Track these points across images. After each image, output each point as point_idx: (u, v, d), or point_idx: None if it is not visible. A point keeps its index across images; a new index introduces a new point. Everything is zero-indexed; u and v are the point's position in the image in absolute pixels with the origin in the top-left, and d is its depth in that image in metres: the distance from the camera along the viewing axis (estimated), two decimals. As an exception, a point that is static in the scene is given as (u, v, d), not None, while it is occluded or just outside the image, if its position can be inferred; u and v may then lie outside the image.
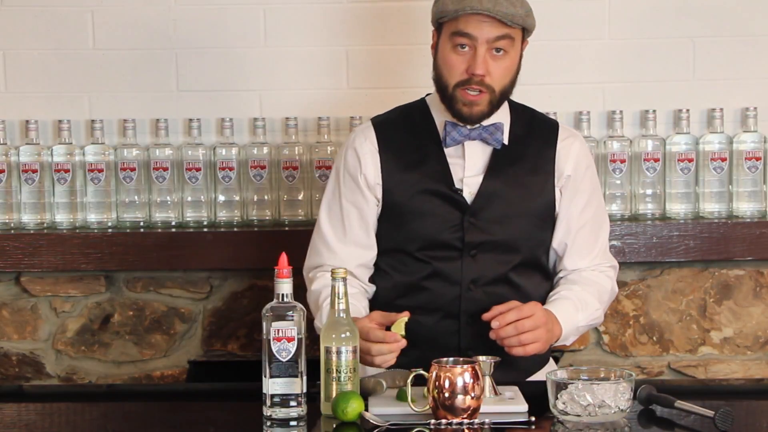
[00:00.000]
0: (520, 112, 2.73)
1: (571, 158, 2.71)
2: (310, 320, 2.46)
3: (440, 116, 2.68)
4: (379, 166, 2.68)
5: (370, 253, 2.71)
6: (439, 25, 2.63)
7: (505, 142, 2.67)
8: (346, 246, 2.70)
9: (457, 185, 2.65)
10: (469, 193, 2.65)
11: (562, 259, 2.73)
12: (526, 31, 2.63)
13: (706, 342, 3.41)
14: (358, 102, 3.43)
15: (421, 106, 2.75)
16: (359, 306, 2.61)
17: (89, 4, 3.44)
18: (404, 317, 2.45)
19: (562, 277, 2.73)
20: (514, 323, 2.46)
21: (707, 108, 3.39)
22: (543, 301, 2.67)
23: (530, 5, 2.62)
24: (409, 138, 2.69)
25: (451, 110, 2.63)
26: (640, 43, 3.44)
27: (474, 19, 2.54)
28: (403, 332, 2.44)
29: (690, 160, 3.34)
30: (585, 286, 2.68)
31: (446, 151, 2.67)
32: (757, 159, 3.34)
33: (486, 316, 2.51)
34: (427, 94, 2.77)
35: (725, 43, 3.44)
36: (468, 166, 2.66)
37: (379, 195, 2.69)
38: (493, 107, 2.63)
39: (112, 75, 3.45)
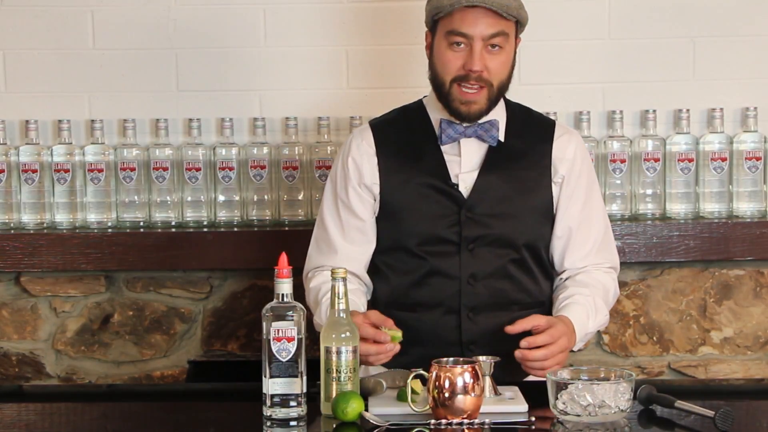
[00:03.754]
0: (516, 110, 2.74)
1: (568, 156, 2.72)
2: (309, 320, 2.46)
3: (436, 115, 2.70)
4: (377, 167, 2.70)
5: (370, 249, 2.72)
6: (434, 23, 2.64)
7: (501, 139, 2.68)
8: (348, 244, 2.70)
9: (453, 180, 2.66)
10: (465, 188, 2.66)
11: (564, 257, 2.72)
12: (519, 25, 2.65)
13: (707, 342, 3.41)
14: (358, 102, 3.43)
15: (417, 106, 2.77)
16: (358, 303, 2.61)
17: (89, 4, 3.44)
18: (397, 333, 2.43)
19: (569, 278, 2.72)
20: (544, 348, 2.43)
21: (707, 108, 3.39)
22: (544, 296, 2.70)
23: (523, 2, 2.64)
24: (406, 137, 2.71)
25: (448, 108, 2.64)
26: (640, 43, 3.44)
27: (469, 16, 2.56)
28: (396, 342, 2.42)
29: (690, 160, 3.34)
30: (595, 290, 2.66)
31: (442, 148, 2.68)
32: (757, 159, 3.34)
33: (510, 329, 2.48)
34: (424, 96, 2.77)
35: (725, 43, 3.44)
36: (464, 162, 2.68)
37: (377, 193, 2.70)
38: (491, 104, 2.64)
39: (112, 75, 3.45)
